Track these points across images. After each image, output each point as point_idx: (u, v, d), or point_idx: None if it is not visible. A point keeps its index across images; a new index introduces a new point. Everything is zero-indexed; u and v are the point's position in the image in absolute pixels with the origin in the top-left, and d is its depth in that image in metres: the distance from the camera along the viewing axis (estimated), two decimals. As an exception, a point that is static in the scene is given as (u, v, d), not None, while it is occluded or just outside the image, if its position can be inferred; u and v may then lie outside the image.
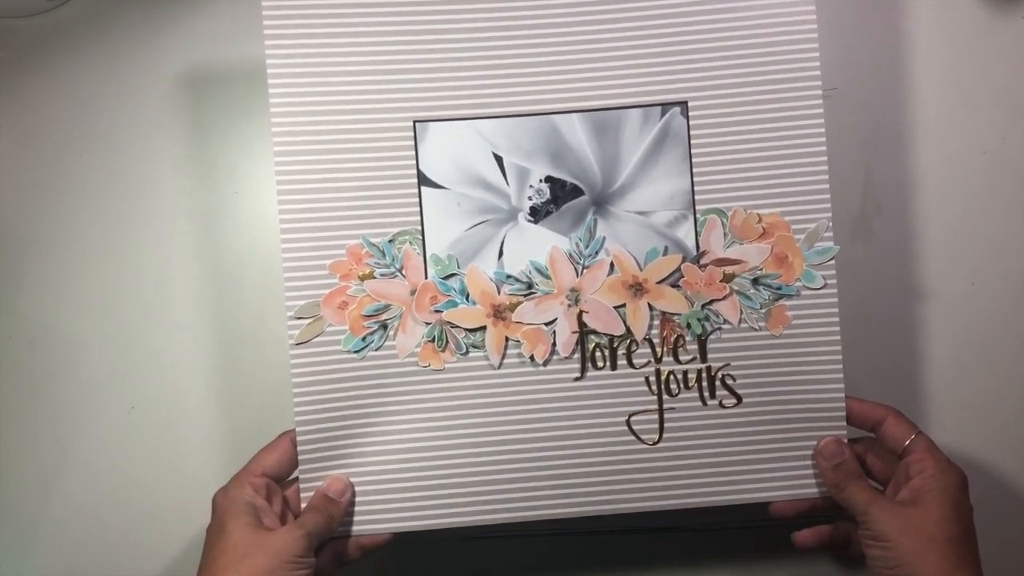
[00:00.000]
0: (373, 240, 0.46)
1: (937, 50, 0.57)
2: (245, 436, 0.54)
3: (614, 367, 0.47)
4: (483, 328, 0.47)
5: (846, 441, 0.47)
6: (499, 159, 0.47)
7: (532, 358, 0.47)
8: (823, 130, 0.47)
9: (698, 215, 0.47)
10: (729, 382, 0.47)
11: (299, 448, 0.46)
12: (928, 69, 0.56)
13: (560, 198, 0.47)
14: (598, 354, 0.47)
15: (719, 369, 0.47)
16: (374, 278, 0.46)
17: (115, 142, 0.56)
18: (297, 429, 0.46)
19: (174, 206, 0.56)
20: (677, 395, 0.47)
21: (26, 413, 0.55)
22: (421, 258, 0.47)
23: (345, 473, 0.47)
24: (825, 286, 0.47)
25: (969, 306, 0.56)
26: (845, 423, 0.47)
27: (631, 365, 0.47)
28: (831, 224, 0.47)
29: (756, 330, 0.47)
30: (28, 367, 0.55)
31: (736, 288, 0.47)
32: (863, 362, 0.54)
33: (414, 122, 0.47)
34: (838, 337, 0.47)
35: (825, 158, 0.47)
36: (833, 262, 0.47)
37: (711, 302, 0.47)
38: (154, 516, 0.55)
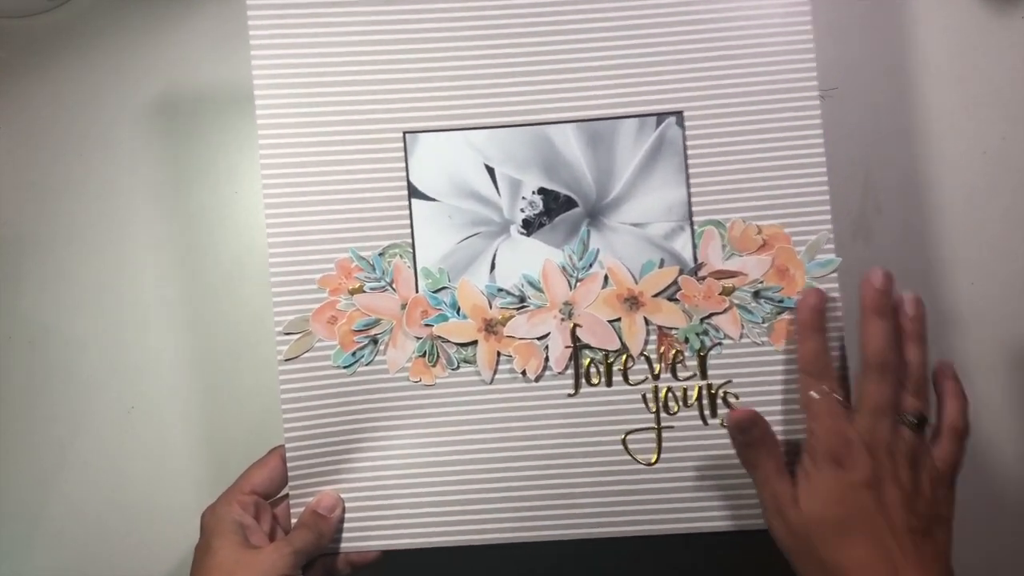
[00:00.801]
0: (363, 254, 0.46)
1: (937, 50, 0.56)
2: (245, 436, 0.54)
3: (609, 383, 0.46)
4: (474, 343, 0.46)
5: None
6: (491, 170, 0.46)
7: (524, 373, 0.45)
8: (822, 140, 0.46)
9: (695, 227, 0.46)
10: (731, 400, 0.46)
11: (289, 465, 0.45)
12: (928, 69, 0.56)
13: (553, 210, 0.46)
14: (593, 370, 0.46)
15: (720, 386, 0.46)
16: (364, 292, 0.46)
17: (115, 142, 0.56)
18: (287, 446, 0.45)
19: (174, 206, 0.56)
20: (676, 413, 0.46)
21: (26, 413, 0.55)
22: (412, 271, 0.46)
23: (335, 489, 0.45)
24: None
25: (969, 306, 0.55)
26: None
27: (627, 382, 0.46)
28: (832, 236, 0.46)
29: (758, 345, 0.46)
30: (28, 367, 0.55)
31: (736, 301, 0.46)
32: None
33: (404, 133, 0.46)
34: (843, 351, 0.45)
35: (824, 168, 0.46)
36: (835, 275, 0.46)
37: (710, 316, 0.46)
38: (154, 516, 0.55)
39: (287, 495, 0.46)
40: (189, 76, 0.57)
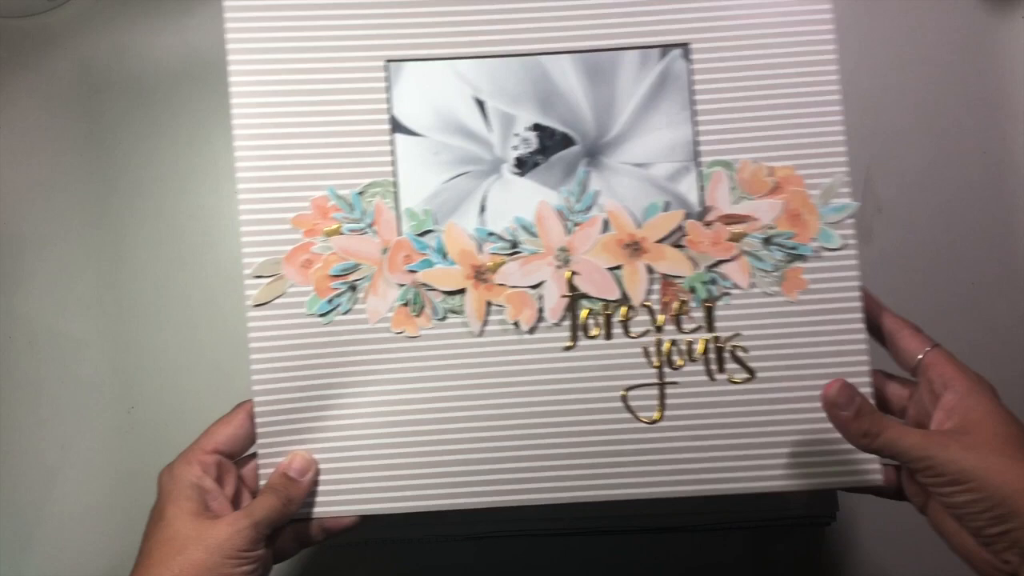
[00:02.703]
0: (340, 192, 0.42)
1: (937, 50, 0.56)
2: None
3: (608, 336, 0.42)
4: (462, 291, 0.42)
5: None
6: (481, 104, 0.43)
7: (517, 325, 0.42)
8: (838, 76, 0.43)
9: (702, 168, 0.43)
10: (740, 354, 0.42)
11: (258, 421, 0.41)
12: (928, 69, 0.56)
13: (549, 148, 0.43)
14: (591, 321, 0.42)
15: (728, 339, 0.42)
16: (341, 234, 0.42)
17: (115, 142, 0.56)
18: (255, 400, 0.41)
19: (174, 206, 0.55)
20: (680, 368, 0.42)
21: (26, 413, 0.54)
22: (394, 213, 0.42)
23: (309, 449, 0.41)
24: (844, 247, 0.42)
25: (969, 306, 0.55)
26: (871, 399, 0.42)
27: (628, 334, 0.42)
28: (849, 179, 0.43)
29: (769, 295, 0.42)
30: (28, 367, 0.54)
31: (745, 248, 0.42)
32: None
33: (387, 62, 0.42)
34: (860, 304, 0.42)
35: (840, 107, 0.43)
36: (852, 220, 0.42)
37: (718, 264, 0.42)
38: None
39: (254, 454, 0.42)
40: (189, 75, 0.56)
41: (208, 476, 0.40)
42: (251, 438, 0.42)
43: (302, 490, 0.41)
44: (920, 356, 0.40)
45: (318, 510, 0.41)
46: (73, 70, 0.56)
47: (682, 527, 0.51)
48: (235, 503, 0.40)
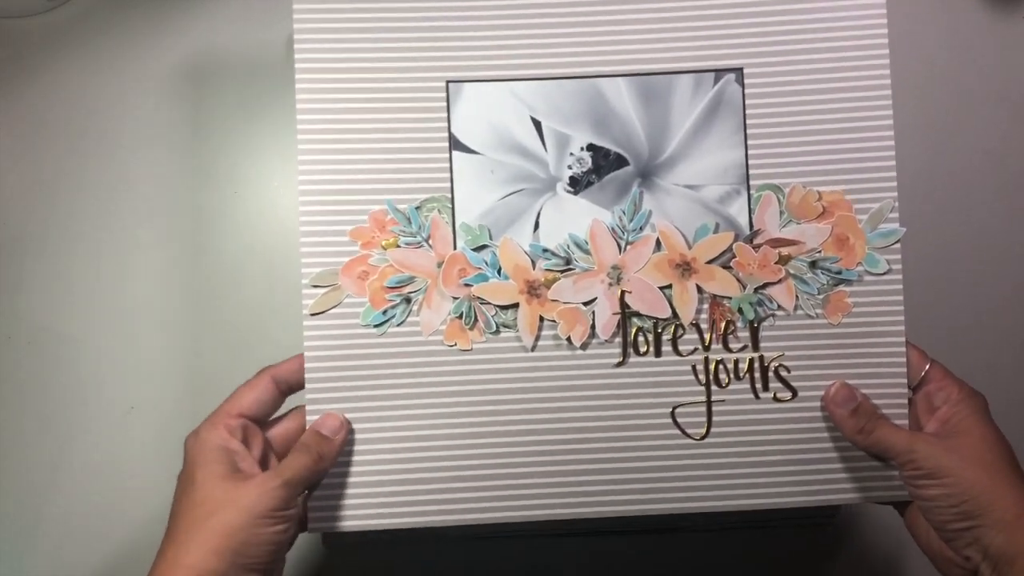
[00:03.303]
0: (399, 206, 0.43)
1: (937, 50, 0.56)
2: None
3: (658, 353, 0.43)
4: (516, 305, 0.43)
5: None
6: (537, 124, 0.44)
7: (569, 340, 0.43)
8: (890, 102, 0.44)
9: (752, 191, 0.43)
10: (784, 374, 0.43)
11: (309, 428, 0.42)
12: (928, 69, 0.56)
13: (603, 168, 0.44)
14: (641, 338, 0.43)
15: (773, 359, 0.43)
16: (398, 247, 0.43)
17: (115, 142, 0.55)
18: (308, 407, 0.42)
19: (174, 206, 0.55)
20: (727, 386, 0.43)
21: (26, 413, 0.54)
22: (450, 227, 0.43)
23: (359, 460, 0.42)
24: (889, 271, 0.43)
25: (969, 306, 0.55)
26: (908, 421, 0.43)
27: (677, 352, 0.43)
28: (897, 204, 0.44)
29: (813, 318, 0.43)
30: (28, 367, 0.54)
31: (792, 271, 0.43)
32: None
33: (447, 82, 0.43)
34: (902, 328, 0.43)
35: (892, 132, 0.44)
36: (898, 246, 0.43)
37: (765, 286, 0.43)
38: (154, 516, 0.52)
39: (278, 418, 0.43)
40: (189, 75, 0.56)
41: (235, 438, 0.40)
42: (275, 403, 0.42)
43: (334, 448, 0.41)
44: (923, 372, 0.43)
45: (363, 523, 0.42)
46: (73, 70, 0.56)
47: (682, 527, 0.52)
48: (263, 465, 0.40)
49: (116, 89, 0.56)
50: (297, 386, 0.43)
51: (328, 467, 0.41)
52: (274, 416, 0.43)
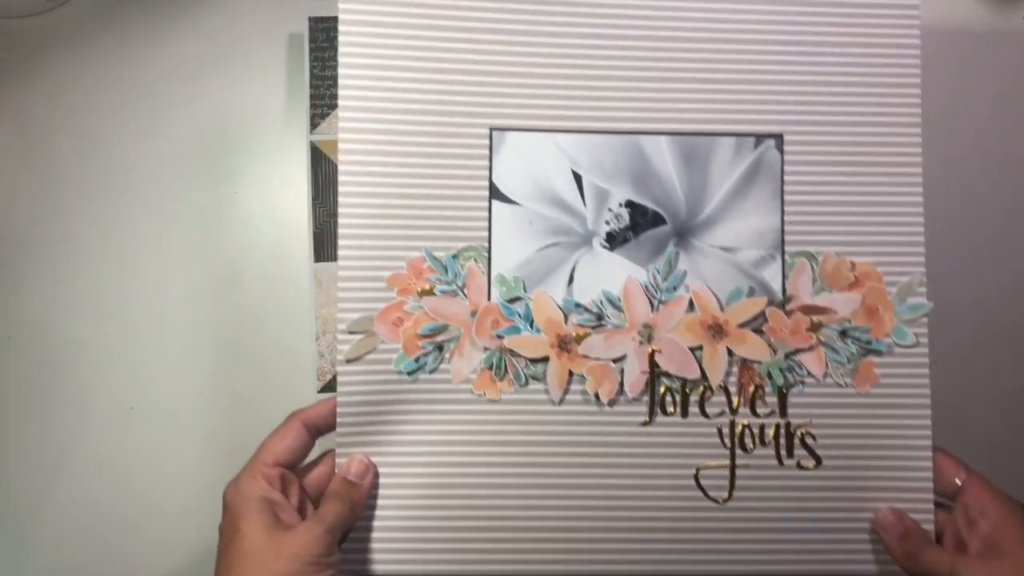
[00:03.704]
0: (436, 254, 0.43)
1: (937, 50, 0.56)
2: (244, 436, 0.52)
3: (685, 414, 0.43)
4: (546, 359, 0.43)
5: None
6: (578, 177, 0.44)
7: (597, 397, 0.43)
8: (921, 179, 0.44)
9: (787, 257, 0.44)
10: (809, 441, 0.43)
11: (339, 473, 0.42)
12: (928, 69, 0.57)
13: (640, 225, 0.44)
14: (668, 398, 0.43)
15: (799, 426, 0.43)
16: (434, 295, 0.43)
17: (114, 142, 0.55)
18: (338, 452, 0.42)
19: (174, 206, 0.55)
20: (752, 451, 0.43)
21: (26, 413, 0.54)
22: (485, 277, 0.43)
23: (386, 504, 0.42)
24: (916, 344, 0.44)
25: (969, 306, 0.55)
26: (932, 495, 0.43)
27: (704, 414, 0.43)
28: (925, 279, 0.44)
29: (841, 386, 0.43)
30: (28, 367, 0.54)
31: (823, 339, 0.44)
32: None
33: (491, 130, 0.43)
34: (928, 400, 0.43)
35: (921, 208, 0.44)
36: (925, 319, 0.44)
37: (795, 352, 0.43)
38: (154, 516, 0.54)
39: (312, 463, 0.43)
40: (188, 76, 0.56)
41: (275, 489, 0.40)
42: (307, 448, 0.42)
43: (363, 494, 0.42)
44: (958, 482, 0.42)
45: (386, 568, 0.42)
46: (73, 70, 0.56)
47: None
48: (301, 513, 0.41)
49: (116, 89, 0.56)
50: (327, 429, 0.43)
51: (361, 510, 0.42)
52: (306, 461, 0.43)
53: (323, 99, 0.53)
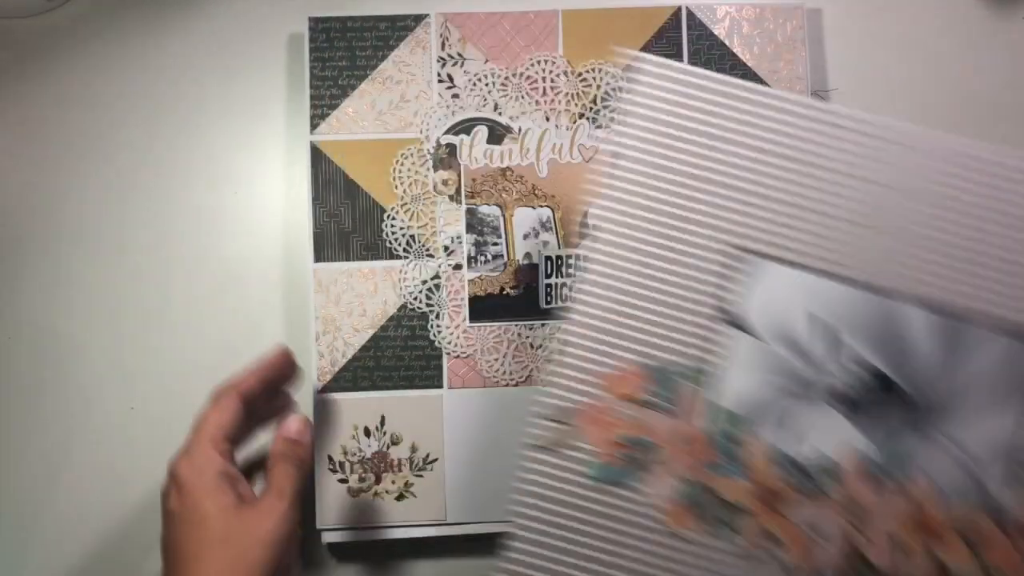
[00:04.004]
0: (658, 366, 0.40)
1: (937, 50, 0.56)
2: None
3: (872, 610, 0.39)
4: (745, 509, 0.40)
5: None
6: (820, 324, 0.41)
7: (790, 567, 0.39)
8: None
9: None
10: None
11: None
12: (928, 69, 0.56)
13: (875, 393, 0.41)
14: (861, 588, 0.39)
15: (995, 659, 0.39)
16: (645, 407, 0.40)
17: (115, 142, 0.55)
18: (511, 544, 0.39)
19: (174, 206, 0.55)
20: None
21: (26, 413, 0.54)
22: (704, 405, 0.40)
23: None
24: None
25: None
26: None
27: (896, 617, 0.39)
28: None
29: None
30: (28, 367, 0.54)
31: (1040, 573, 0.39)
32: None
33: (736, 249, 0.41)
34: None
35: None
36: None
37: (1007, 580, 0.39)
38: (154, 516, 0.51)
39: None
40: (188, 76, 0.56)
41: (230, 463, 0.40)
42: (246, 423, 0.43)
43: (308, 451, 0.44)
44: None
45: None
46: (73, 70, 0.56)
47: None
48: (251, 481, 0.42)
49: (116, 89, 0.56)
50: (257, 401, 0.44)
51: (307, 469, 0.43)
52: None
53: (323, 99, 0.53)
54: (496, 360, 0.51)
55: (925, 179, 0.41)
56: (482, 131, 0.53)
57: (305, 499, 0.51)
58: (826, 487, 0.40)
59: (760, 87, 0.41)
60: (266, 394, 0.45)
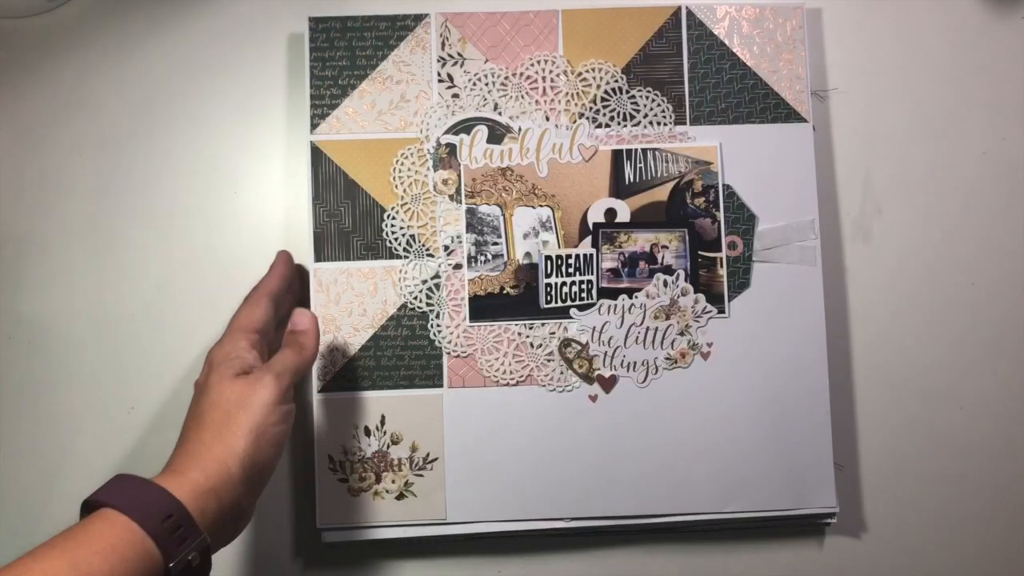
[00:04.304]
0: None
1: (937, 50, 0.57)
2: None
3: None
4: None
5: None
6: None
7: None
8: None
9: None
10: None
11: None
12: (928, 69, 0.57)
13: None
14: None
15: None
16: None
17: (114, 142, 0.56)
18: None
19: (174, 206, 0.56)
20: None
21: (26, 413, 0.54)
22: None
23: None
24: None
25: (969, 306, 0.55)
26: None
27: None
28: None
29: None
30: (28, 367, 0.54)
31: None
32: (862, 362, 0.55)
33: None
34: None
35: None
36: None
37: None
38: None
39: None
40: (189, 75, 0.56)
41: (255, 350, 0.45)
42: (275, 320, 0.48)
43: (311, 339, 0.47)
44: None
45: None
46: (73, 70, 0.56)
47: (681, 527, 0.52)
48: None
49: (116, 89, 0.56)
50: (281, 298, 0.49)
51: (311, 355, 0.46)
52: None
53: (323, 99, 0.53)
54: (496, 360, 0.51)
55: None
56: (482, 131, 0.53)
57: (305, 499, 0.52)
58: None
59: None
60: (285, 292, 0.50)
